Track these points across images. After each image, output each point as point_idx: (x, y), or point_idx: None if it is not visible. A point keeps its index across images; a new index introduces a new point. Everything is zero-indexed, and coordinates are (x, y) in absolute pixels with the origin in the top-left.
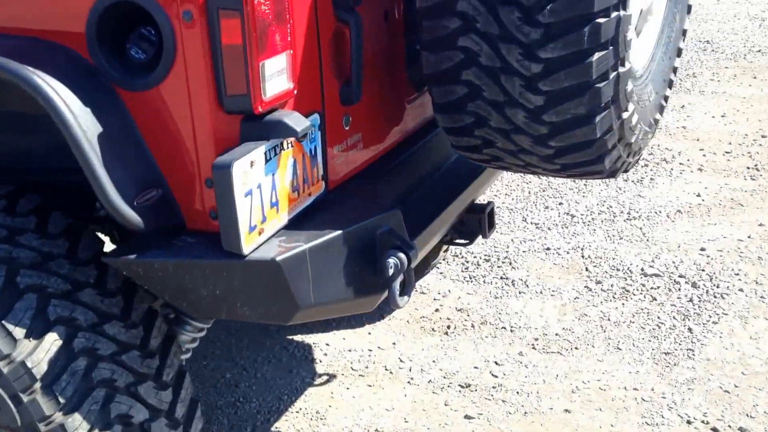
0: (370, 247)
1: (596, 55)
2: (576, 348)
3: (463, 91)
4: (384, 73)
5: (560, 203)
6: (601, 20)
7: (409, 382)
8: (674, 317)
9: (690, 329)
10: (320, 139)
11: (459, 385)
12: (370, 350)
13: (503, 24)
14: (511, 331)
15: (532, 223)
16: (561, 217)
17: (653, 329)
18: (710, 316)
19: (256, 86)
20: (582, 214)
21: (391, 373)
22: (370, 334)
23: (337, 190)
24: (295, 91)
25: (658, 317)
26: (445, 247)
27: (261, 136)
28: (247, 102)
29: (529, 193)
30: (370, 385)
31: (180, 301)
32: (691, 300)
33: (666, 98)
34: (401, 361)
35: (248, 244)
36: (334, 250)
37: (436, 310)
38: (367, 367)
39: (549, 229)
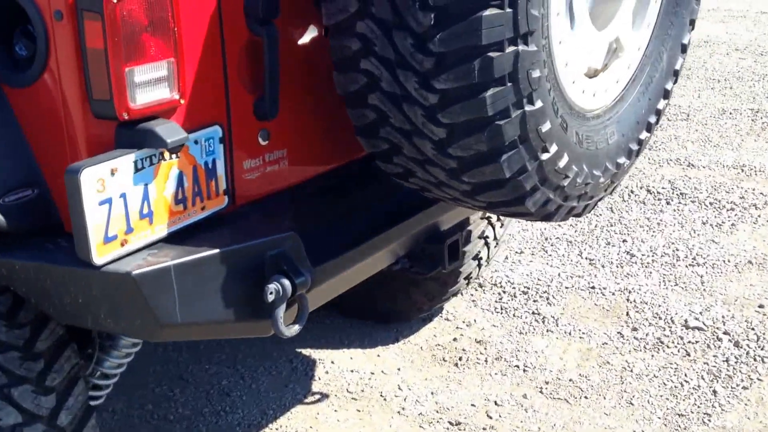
0: (258, 269)
1: (490, 91)
2: (585, 397)
3: (372, 115)
4: (320, 90)
5: (624, 240)
6: (492, 54)
7: (399, 413)
8: (702, 377)
9: (715, 392)
10: (222, 152)
11: (449, 421)
12: (373, 373)
13: (398, 49)
14: (524, 370)
15: (586, 259)
16: (619, 256)
17: (675, 387)
18: (742, 380)
19: (121, 92)
20: (643, 255)
21: (384, 400)
22: (378, 356)
23: (249, 207)
24: (182, 101)
25: (685, 374)
26: (467, 273)
27: (132, 144)
28: (111, 108)
29: (596, 226)
30: (359, 410)
31: (46, 306)
32: (727, 360)
33: (640, 141)
34: (399, 389)
35: (102, 254)
36: (210, 269)
37: (455, 339)
38: (362, 391)
39: (603, 266)
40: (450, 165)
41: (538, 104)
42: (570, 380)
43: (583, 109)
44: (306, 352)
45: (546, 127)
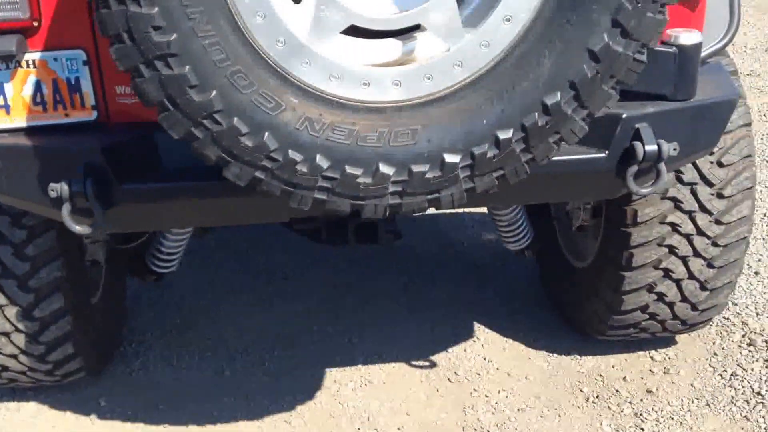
0: (63, 169)
1: (114, 46)
2: None
3: None
4: None
5: None
6: (103, 10)
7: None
8: None
9: None
10: (88, 73)
11: None
12: (504, 372)
13: None
14: None
15: None
16: None
17: None
18: None
19: None
20: None
21: (472, 397)
22: (529, 359)
23: (122, 127)
24: (35, 24)
25: None
26: (639, 305)
27: None
28: None
29: None
30: (447, 397)
31: None
32: None
33: (473, 156)
34: (498, 408)
35: None
36: (26, 158)
37: (624, 378)
38: (467, 379)
39: None
40: None
41: (179, 70)
42: None
43: (338, 97)
44: (489, 331)
45: (204, 96)
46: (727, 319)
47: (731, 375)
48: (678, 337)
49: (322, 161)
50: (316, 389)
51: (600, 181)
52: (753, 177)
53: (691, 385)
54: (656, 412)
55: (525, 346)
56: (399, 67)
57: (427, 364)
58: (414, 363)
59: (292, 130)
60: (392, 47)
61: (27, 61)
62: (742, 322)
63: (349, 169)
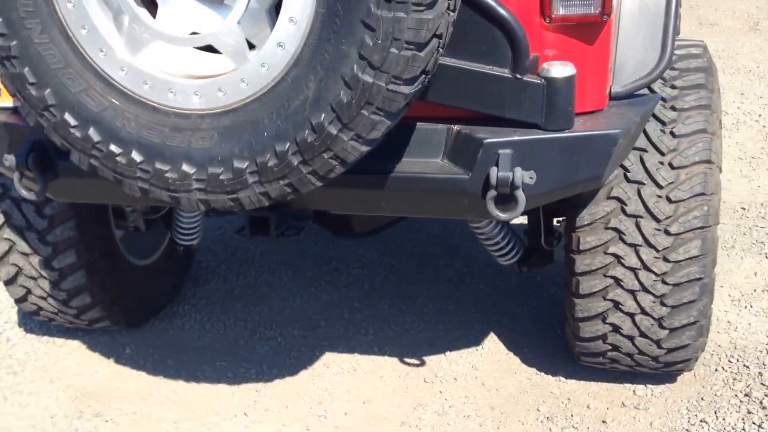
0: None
1: None
2: None
3: None
4: None
5: None
6: None
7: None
8: None
9: None
10: None
11: None
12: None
13: None
14: None
15: None
16: None
17: None
18: None
19: None
20: None
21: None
22: (551, 376)
23: None
24: None
25: None
26: (593, 333)
27: None
28: None
29: None
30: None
31: None
32: None
33: (256, 163)
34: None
35: None
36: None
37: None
38: (470, 379)
39: None
40: None
41: (20, 70)
42: None
43: (151, 101)
44: (497, 343)
45: (40, 92)
46: (747, 367)
47: (700, 421)
48: (681, 377)
49: (136, 156)
50: (302, 368)
51: (466, 202)
52: (705, 216)
53: (650, 424)
54: None
55: (520, 362)
56: (198, 80)
57: (417, 362)
58: (406, 360)
59: (113, 126)
60: (194, 61)
61: None
62: (759, 373)
63: (158, 165)
